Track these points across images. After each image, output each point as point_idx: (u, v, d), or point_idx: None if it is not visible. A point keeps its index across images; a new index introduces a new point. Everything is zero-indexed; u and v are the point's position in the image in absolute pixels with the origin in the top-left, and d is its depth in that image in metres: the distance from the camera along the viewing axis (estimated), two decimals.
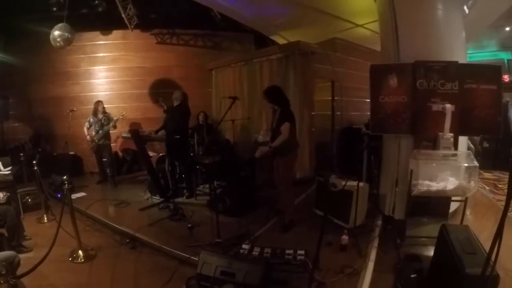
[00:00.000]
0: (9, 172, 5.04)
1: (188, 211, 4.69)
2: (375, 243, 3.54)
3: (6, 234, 3.54)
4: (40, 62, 7.50)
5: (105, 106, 6.58)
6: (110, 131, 6.52)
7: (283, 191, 4.19)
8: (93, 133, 6.38)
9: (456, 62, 3.64)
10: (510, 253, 2.76)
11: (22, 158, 5.31)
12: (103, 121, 6.39)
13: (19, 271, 2.77)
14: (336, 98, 6.95)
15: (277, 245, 3.46)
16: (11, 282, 1.94)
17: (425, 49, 3.77)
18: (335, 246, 3.47)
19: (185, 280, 2.97)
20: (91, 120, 6.47)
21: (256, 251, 3.35)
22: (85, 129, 6.49)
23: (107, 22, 7.46)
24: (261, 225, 4.18)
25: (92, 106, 6.59)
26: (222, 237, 3.64)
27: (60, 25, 6.04)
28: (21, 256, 3.03)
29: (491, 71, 3.68)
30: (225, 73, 7.89)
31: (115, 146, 7.62)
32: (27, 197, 4.97)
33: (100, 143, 6.39)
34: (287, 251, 3.27)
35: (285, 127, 3.85)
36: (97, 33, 7.76)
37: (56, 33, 6.00)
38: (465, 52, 4.21)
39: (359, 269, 3.03)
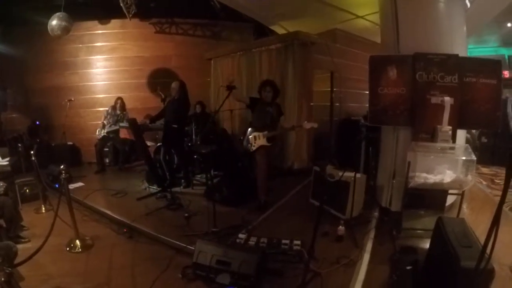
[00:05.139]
0: (7, 162, 5.03)
1: (185, 200, 4.70)
2: (371, 234, 3.56)
3: (4, 225, 3.53)
4: (37, 52, 7.40)
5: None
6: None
7: (263, 176, 4.45)
8: (105, 123, 6.66)
9: (456, 55, 3.63)
10: (505, 248, 2.79)
11: (20, 149, 5.28)
12: (119, 118, 6.60)
13: (17, 261, 2.76)
14: (335, 89, 6.92)
15: (274, 235, 3.48)
16: (7, 271, 1.94)
17: (425, 41, 3.75)
18: (331, 237, 3.48)
19: (182, 269, 2.99)
20: (109, 110, 6.73)
21: (252, 241, 3.37)
22: (103, 117, 6.80)
23: (105, 11, 7.36)
24: (257, 215, 4.19)
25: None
26: (219, 226, 3.65)
27: (58, 14, 5.98)
28: (19, 246, 3.03)
29: (491, 65, 3.68)
30: (224, 62, 7.83)
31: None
32: (25, 188, 4.95)
33: (108, 132, 6.64)
34: (283, 241, 3.29)
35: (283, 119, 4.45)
36: (95, 22, 7.66)
37: (54, 22, 5.94)
38: (466, 45, 4.18)
39: (355, 260, 3.05)
